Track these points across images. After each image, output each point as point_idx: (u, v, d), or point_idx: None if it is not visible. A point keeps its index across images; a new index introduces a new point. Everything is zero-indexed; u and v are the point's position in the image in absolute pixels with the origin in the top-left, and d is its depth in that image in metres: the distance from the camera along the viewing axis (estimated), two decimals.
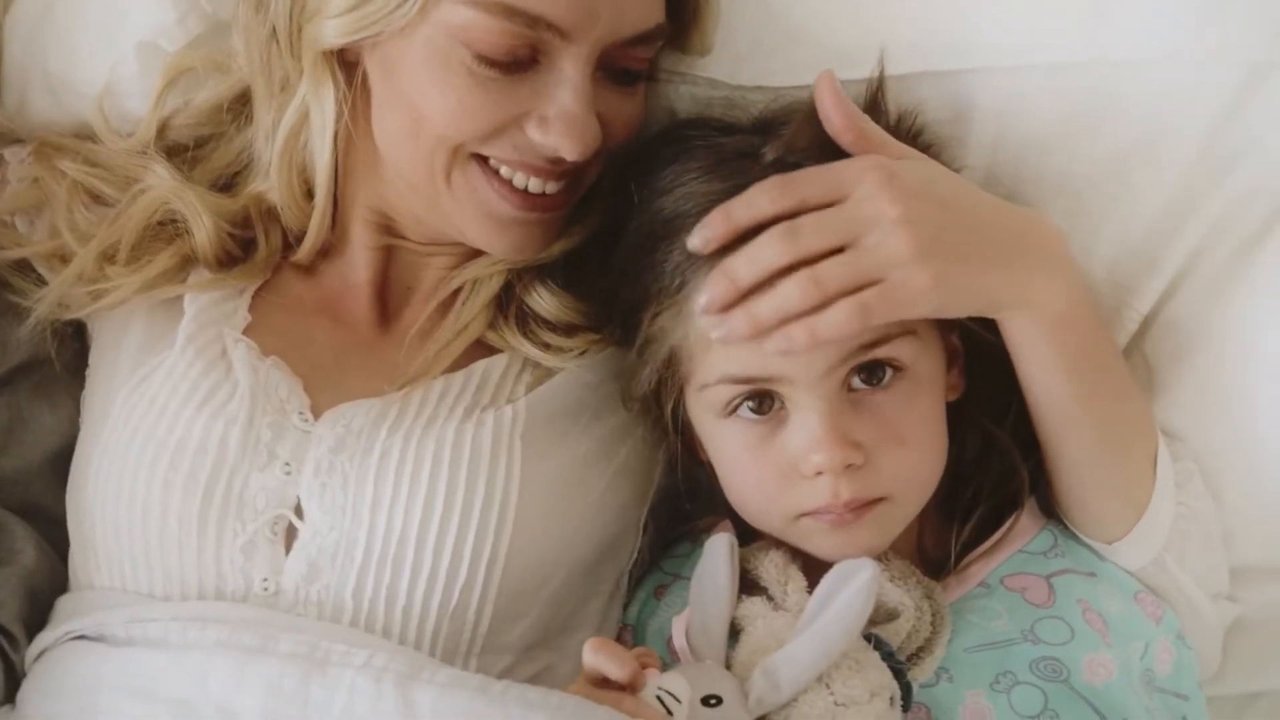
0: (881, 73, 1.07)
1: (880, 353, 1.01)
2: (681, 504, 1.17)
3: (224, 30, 1.19)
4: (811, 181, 0.98)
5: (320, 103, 1.08)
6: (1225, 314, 1.13)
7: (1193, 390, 1.14)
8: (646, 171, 1.07)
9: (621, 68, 1.07)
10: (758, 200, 0.98)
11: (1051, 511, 1.13)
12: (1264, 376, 1.12)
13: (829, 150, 1.01)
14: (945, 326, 1.07)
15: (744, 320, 0.97)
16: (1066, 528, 1.12)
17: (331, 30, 1.05)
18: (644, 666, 0.96)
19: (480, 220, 1.08)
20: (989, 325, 1.06)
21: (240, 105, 1.16)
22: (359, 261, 1.15)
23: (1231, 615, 1.17)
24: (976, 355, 1.10)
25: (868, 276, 0.95)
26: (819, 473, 1.01)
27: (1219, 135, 1.10)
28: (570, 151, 1.04)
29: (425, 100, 1.04)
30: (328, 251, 1.16)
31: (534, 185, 1.07)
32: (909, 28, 1.10)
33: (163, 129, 1.17)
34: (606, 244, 1.10)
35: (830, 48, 1.10)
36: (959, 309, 1.00)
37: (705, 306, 0.98)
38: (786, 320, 0.96)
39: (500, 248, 1.10)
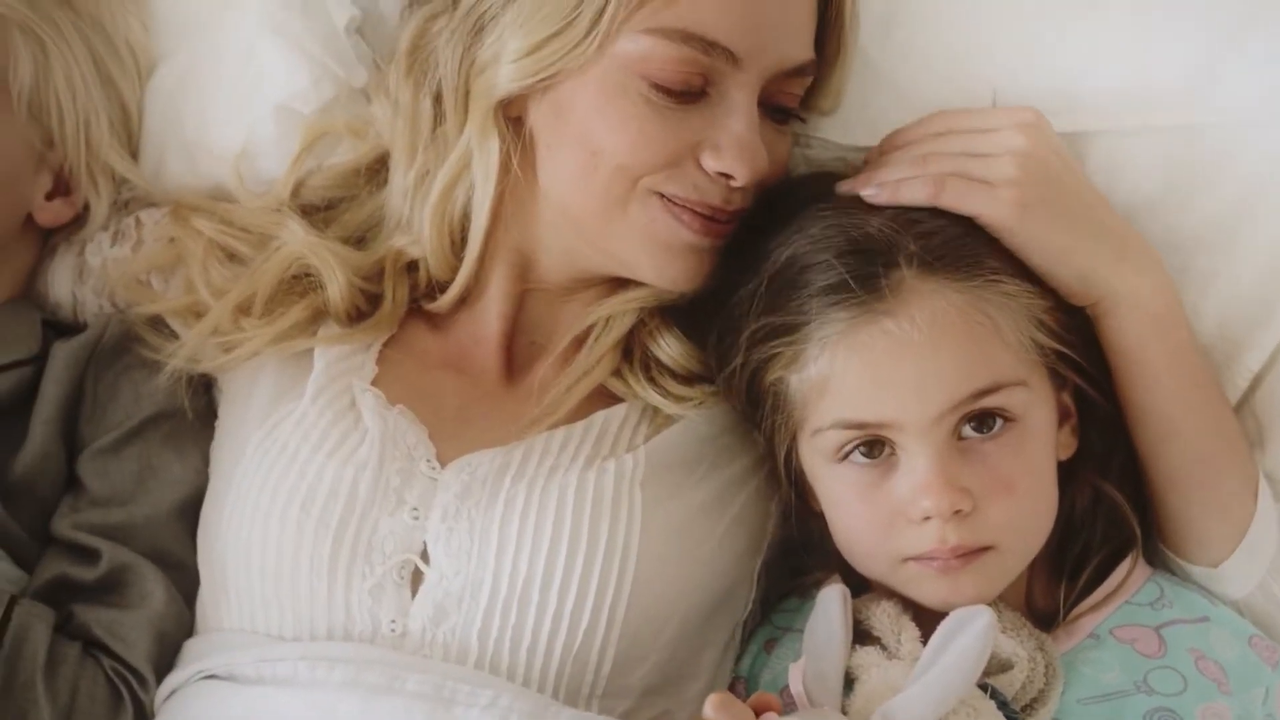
0: None
1: (990, 402, 1.05)
2: (792, 560, 1.21)
3: (354, 96, 1.27)
4: (967, 114, 1.10)
5: (486, 155, 1.14)
6: None
7: None
8: (765, 224, 1.12)
9: (776, 104, 1.14)
10: (921, 124, 1.12)
11: (1154, 562, 1.15)
12: None
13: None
14: (1057, 384, 1.10)
15: (863, 176, 1.11)
16: (1172, 577, 1.14)
17: (507, 77, 1.11)
18: (763, 710, 0.99)
19: (654, 249, 1.13)
20: (1097, 385, 1.10)
21: (374, 169, 1.23)
22: (492, 312, 1.20)
23: None
24: (1085, 417, 1.13)
25: (966, 171, 1.05)
26: (927, 517, 1.05)
27: None
28: (743, 175, 1.10)
29: (603, 134, 1.10)
30: (461, 302, 1.21)
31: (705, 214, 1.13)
32: (1018, 90, 1.15)
33: (297, 189, 1.24)
34: (725, 295, 1.15)
35: (939, 108, 1.15)
36: (1039, 249, 1.07)
37: (844, 187, 1.12)
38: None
39: (669, 276, 1.15)
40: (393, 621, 1.08)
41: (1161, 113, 1.15)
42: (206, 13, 1.28)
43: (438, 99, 1.17)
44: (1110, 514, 1.15)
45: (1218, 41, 1.15)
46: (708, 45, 1.08)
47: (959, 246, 1.06)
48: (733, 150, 1.10)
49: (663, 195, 1.12)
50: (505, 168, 1.14)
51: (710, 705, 0.97)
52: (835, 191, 1.13)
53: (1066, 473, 1.12)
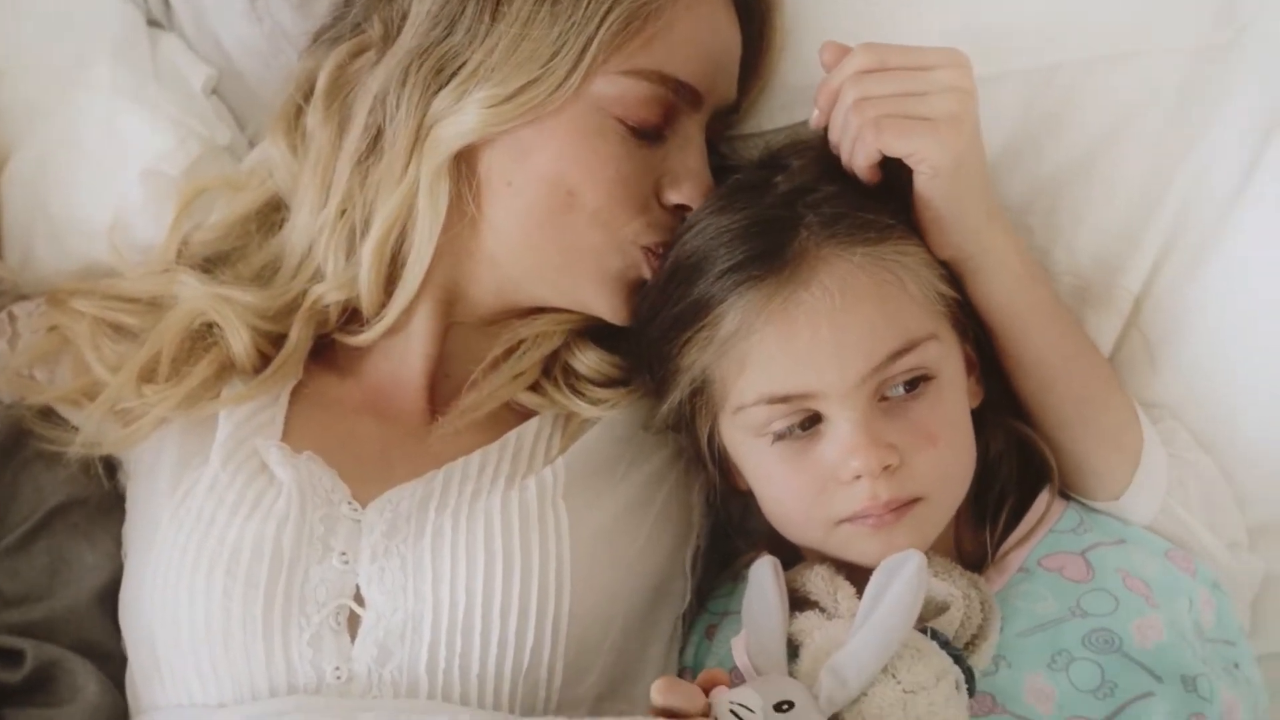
0: None
1: (907, 362, 1.10)
2: (720, 546, 1.26)
3: (218, 154, 1.30)
4: (900, 50, 1.10)
5: (435, 196, 1.16)
6: (1208, 285, 1.24)
7: (1190, 361, 1.24)
8: None
9: (707, 138, 1.20)
10: (851, 60, 1.10)
11: (1069, 497, 1.21)
12: (1251, 338, 1.23)
13: (838, 179, 1.13)
14: (961, 334, 1.16)
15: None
16: (1086, 505, 1.21)
17: (479, 122, 1.14)
18: (712, 686, 1.03)
19: (615, 289, 1.18)
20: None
21: (265, 214, 1.25)
22: (414, 351, 1.22)
23: (1256, 569, 1.26)
24: (986, 364, 1.19)
25: (905, 110, 1.07)
26: (857, 477, 1.10)
27: (1175, 119, 1.23)
28: (699, 204, 1.16)
29: (579, 175, 1.14)
30: (376, 343, 1.22)
31: None
32: None
33: (181, 250, 1.25)
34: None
35: (803, 89, 1.21)
36: (953, 199, 1.10)
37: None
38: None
39: (622, 314, 1.20)
40: (336, 669, 1.10)
41: (1014, 57, 1.22)
42: (54, 95, 1.30)
43: (375, 138, 1.18)
44: (1020, 453, 1.21)
45: None
46: (679, 85, 1.15)
47: (855, 209, 1.11)
48: (689, 182, 1.16)
49: (646, 248, 1.17)
50: (457, 208, 1.17)
51: (656, 690, 1.01)
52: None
53: (977, 419, 1.18)
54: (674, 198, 1.17)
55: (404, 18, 1.18)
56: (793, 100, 1.25)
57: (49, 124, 1.30)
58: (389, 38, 1.19)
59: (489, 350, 1.22)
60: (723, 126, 1.24)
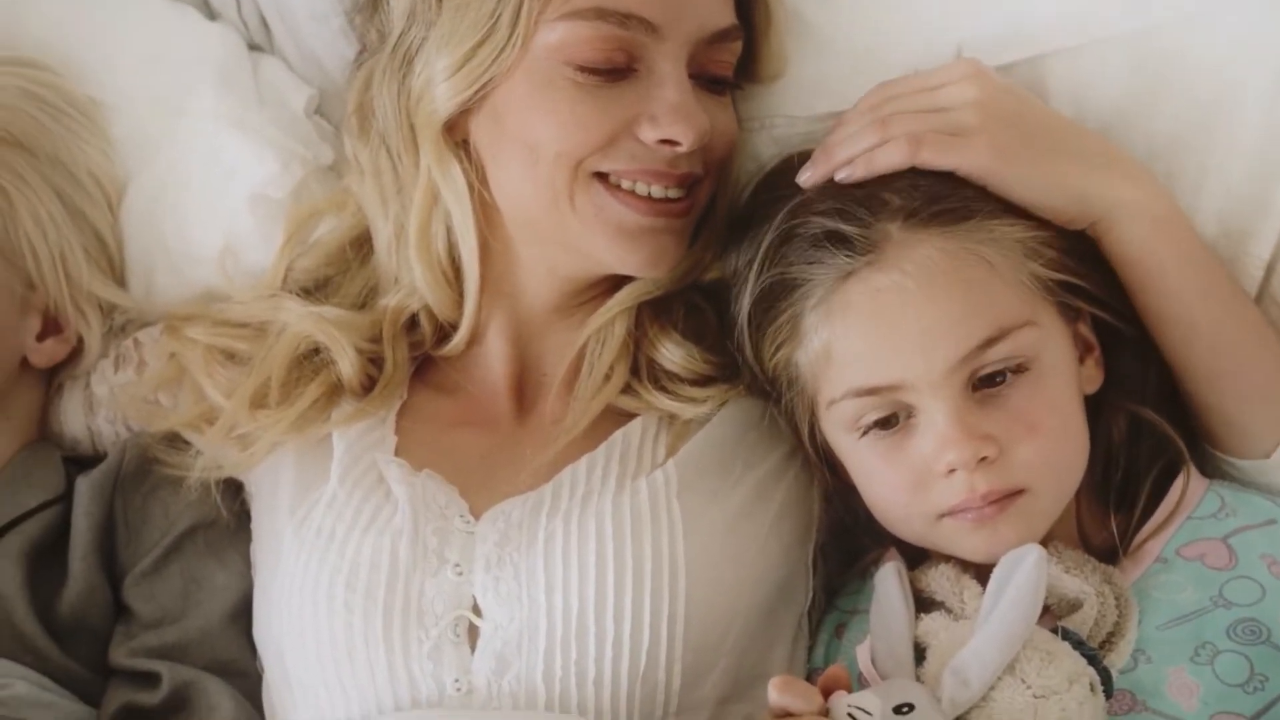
0: None
1: (999, 352, 1.10)
2: (847, 542, 1.26)
3: (324, 174, 1.35)
4: (908, 79, 1.15)
5: (451, 181, 1.22)
6: None
7: None
8: (751, 215, 1.20)
9: (709, 74, 1.21)
10: (862, 100, 1.16)
11: (1209, 474, 1.19)
12: None
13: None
14: (1070, 318, 1.15)
15: (821, 159, 1.14)
16: (1231, 484, 1.18)
17: (445, 96, 1.19)
18: (833, 689, 1.04)
19: (611, 237, 1.20)
20: (1114, 311, 1.15)
21: (360, 242, 1.31)
22: (495, 355, 1.27)
23: None
24: (1111, 346, 1.18)
25: (932, 127, 1.10)
26: (952, 470, 1.09)
27: None
28: (686, 137, 1.17)
29: (538, 126, 1.18)
30: (464, 354, 1.28)
31: (656, 191, 1.19)
32: (970, 31, 1.21)
33: (287, 275, 1.31)
34: (724, 298, 1.22)
35: (896, 64, 1.21)
36: (1027, 185, 1.12)
37: (804, 177, 1.16)
38: (854, 155, 1.12)
39: (634, 262, 1.21)
40: (456, 681, 1.14)
41: (1114, 20, 1.20)
42: (161, 124, 1.36)
43: (383, 144, 1.24)
44: (1153, 436, 1.19)
45: None
46: (623, 18, 1.16)
47: (940, 193, 1.12)
48: (669, 116, 1.17)
49: (603, 176, 1.18)
50: (480, 198, 1.22)
51: (773, 687, 1.02)
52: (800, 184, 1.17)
53: (1100, 403, 1.17)
54: (650, 134, 1.17)
55: (384, 26, 1.24)
56: (891, 76, 1.22)
57: (159, 155, 1.37)
58: (376, 49, 1.25)
59: (564, 346, 1.25)
60: (727, 56, 1.21)
